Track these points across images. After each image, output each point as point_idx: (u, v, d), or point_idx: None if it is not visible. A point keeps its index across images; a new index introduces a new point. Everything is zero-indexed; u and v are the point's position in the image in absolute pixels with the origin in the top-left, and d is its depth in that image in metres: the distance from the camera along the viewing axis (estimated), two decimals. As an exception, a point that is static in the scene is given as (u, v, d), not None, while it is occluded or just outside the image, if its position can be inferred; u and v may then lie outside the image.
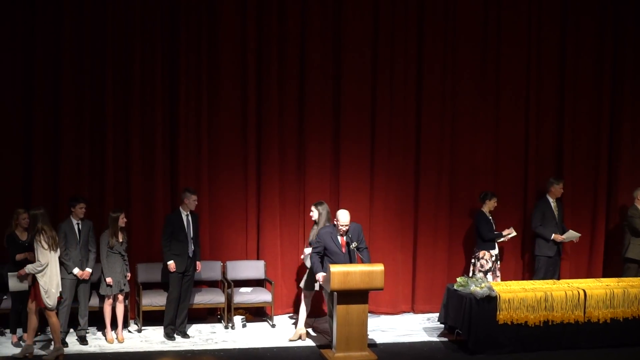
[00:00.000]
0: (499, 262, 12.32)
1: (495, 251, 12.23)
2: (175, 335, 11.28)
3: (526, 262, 13.20)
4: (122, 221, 10.98)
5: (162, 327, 11.39)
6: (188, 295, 11.43)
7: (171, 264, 11.13)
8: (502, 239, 12.32)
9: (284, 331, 11.77)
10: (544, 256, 12.50)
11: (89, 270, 10.90)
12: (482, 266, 12.07)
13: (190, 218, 11.28)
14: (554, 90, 13.21)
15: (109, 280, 10.88)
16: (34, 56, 11.64)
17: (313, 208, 11.37)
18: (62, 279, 10.73)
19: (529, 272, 13.07)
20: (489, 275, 12.01)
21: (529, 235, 13.00)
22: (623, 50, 13.28)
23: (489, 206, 12.29)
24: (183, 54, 12.07)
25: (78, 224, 10.87)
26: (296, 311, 12.24)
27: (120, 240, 10.97)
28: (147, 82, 11.99)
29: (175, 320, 11.37)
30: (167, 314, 11.31)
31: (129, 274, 11.17)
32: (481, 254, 12.13)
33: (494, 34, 12.97)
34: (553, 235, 12.45)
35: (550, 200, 12.60)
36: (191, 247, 11.24)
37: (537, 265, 12.58)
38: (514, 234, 12.38)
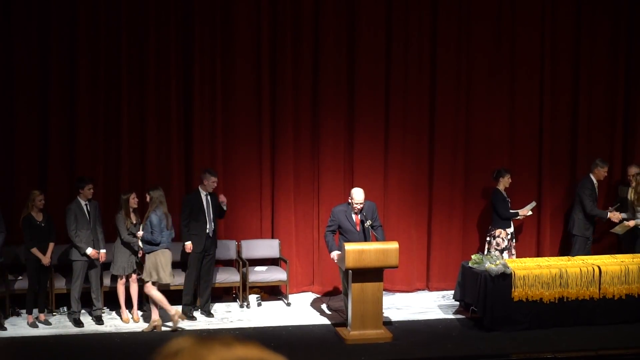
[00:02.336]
0: (514, 241, 12.31)
1: (511, 229, 12.20)
2: (194, 314, 11.34)
3: (542, 240, 13.17)
4: (132, 202, 10.98)
5: (177, 307, 11.44)
6: (210, 274, 11.45)
7: (188, 244, 11.16)
8: (519, 217, 12.29)
9: (300, 310, 11.81)
10: (582, 236, 12.45)
11: (103, 251, 10.96)
12: (498, 244, 12.04)
13: (210, 198, 11.28)
14: (569, 66, 13.12)
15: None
16: (49, 34, 11.65)
17: (147, 194, 10.90)
18: (73, 261, 10.81)
19: (545, 250, 13.04)
20: (505, 254, 11.97)
21: (547, 213, 12.97)
22: (638, 24, 13.17)
23: (504, 183, 12.23)
24: (197, 32, 12.05)
25: (86, 204, 10.88)
26: (306, 290, 12.43)
27: (134, 221, 11.00)
28: (162, 61, 11.99)
29: (194, 300, 11.41)
30: (185, 293, 11.36)
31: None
32: (497, 232, 12.10)
33: (508, 10, 12.88)
34: (609, 213, 12.41)
35: (594, 180, 12.53)
36: (211, 227, 11.26)
37: (577, 245, 12.51)
38: (534, 203, 12.38)
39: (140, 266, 11.09)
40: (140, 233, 10.73)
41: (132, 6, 11.87)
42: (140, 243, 10.83)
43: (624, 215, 12.37)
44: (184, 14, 12.06)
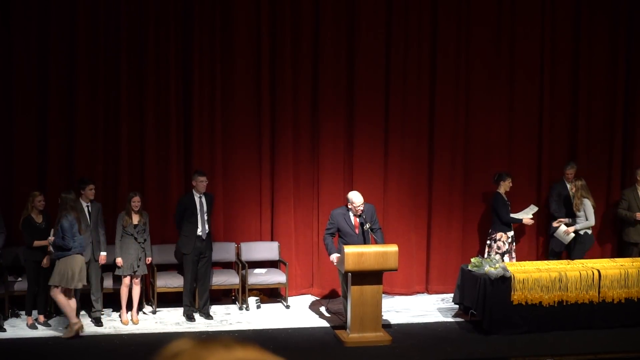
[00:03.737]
0: (514, 244, 12.29)
1: (512, 233, 12.18)
2: (196, 316, 11.35)
3: (541, 244, 13.16)
4: (133, 205, 10.99)
5: (176, 309, 11.48)
6: (207, 276, 11.44)
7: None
8: (519, 219, 12.28)
9: (299, 312, 11.80)
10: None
11: (103, 254, 10.96)
12: (499, 248, 12.02)
13: (203, 200, 11.27)
14: (569, 69, 13.12)
15: (118, 261, 10.91)
16: (49, 35, 11.65)
17: (59, 198, 10.61)
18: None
19: (544, 254, 13.03)
20: (506, 257, 11.96)
21: (547, 216, 12.95)
22: (638, 27, 13.17)
23: (504, 187, 12.20)
24: (197, 35, 12.04)
25: (88, 206, 10.87)
26: (305, 293, 12.47)
27: (135, 222, 10.99)
28: (162, 63, 11.98)
29: (193, 301, 11.42)
30: (184, 295, 11.38)
31: (149, 259, 11.22)
32: (498, 235, 12.08)
33: (508, 13, 12.87)
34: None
35: (567, 183, 12.54)
36: (205, 229, 11.25)
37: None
38: (536, 208, 12.37)
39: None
40: (51, 238, 10.46)
41: (132, 7, 11.86)
42: (50, 248, 10.58)
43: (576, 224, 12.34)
44: (183, 16, 12.06)
